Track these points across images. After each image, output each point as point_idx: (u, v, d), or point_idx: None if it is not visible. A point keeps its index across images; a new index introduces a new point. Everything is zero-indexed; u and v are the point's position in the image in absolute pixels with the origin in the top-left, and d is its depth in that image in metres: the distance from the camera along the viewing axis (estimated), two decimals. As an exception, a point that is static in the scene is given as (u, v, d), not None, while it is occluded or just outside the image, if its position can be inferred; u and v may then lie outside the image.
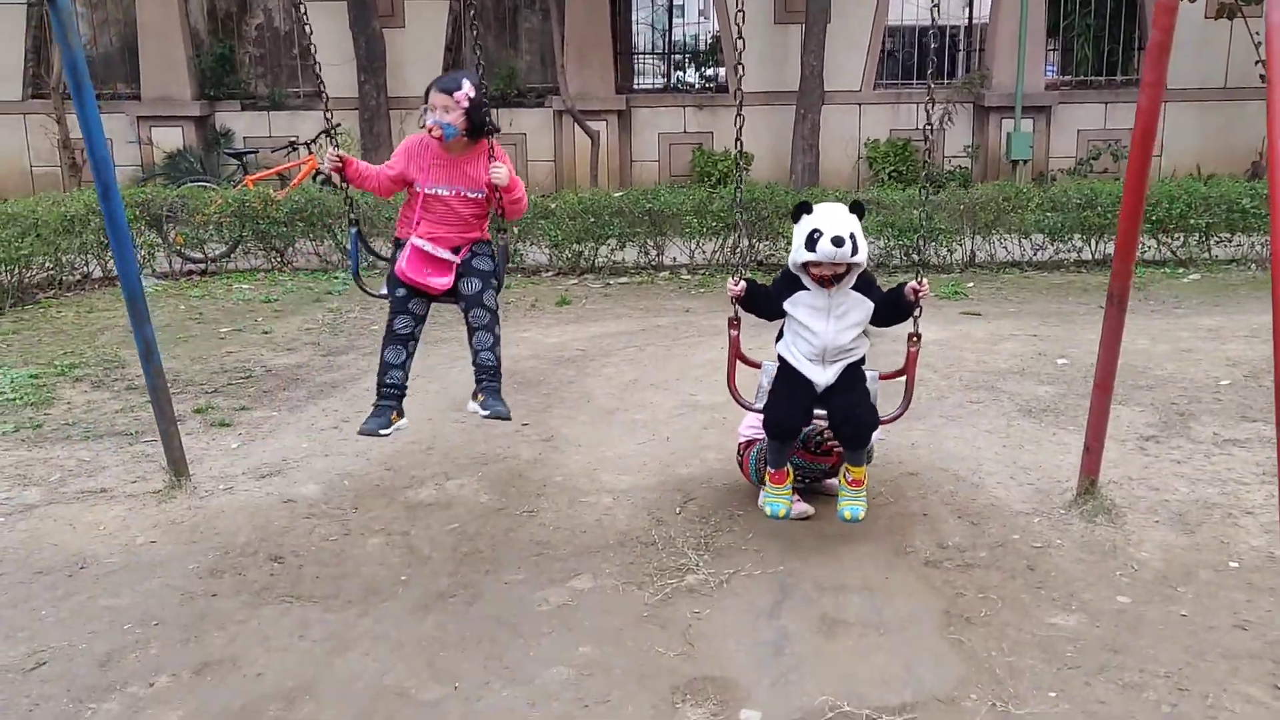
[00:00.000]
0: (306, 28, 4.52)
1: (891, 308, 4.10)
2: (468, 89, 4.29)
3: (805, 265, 4.00)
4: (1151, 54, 3.74)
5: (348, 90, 13.20)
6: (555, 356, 7.01)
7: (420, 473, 4.99)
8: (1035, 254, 9.89)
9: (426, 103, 4.33)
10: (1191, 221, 9.56)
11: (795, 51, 13.22)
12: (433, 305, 4.58)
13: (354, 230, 4.66)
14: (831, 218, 3.92)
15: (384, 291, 4.59)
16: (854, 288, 4.06)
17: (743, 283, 4.15)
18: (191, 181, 11.71)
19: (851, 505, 4.13)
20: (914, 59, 14.72)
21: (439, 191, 4.42)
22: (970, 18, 14.99)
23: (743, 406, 4.33)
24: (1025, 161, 13.42)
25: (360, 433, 4.51)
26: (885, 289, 4.17)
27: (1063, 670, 3.33)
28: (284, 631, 3.65)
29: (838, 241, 3.85)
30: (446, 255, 4.42)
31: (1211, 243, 9.78)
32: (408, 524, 4.47)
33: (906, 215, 9.36)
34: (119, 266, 4.56)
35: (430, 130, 4.32)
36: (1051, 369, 6.43)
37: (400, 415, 4.55)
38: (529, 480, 4.89)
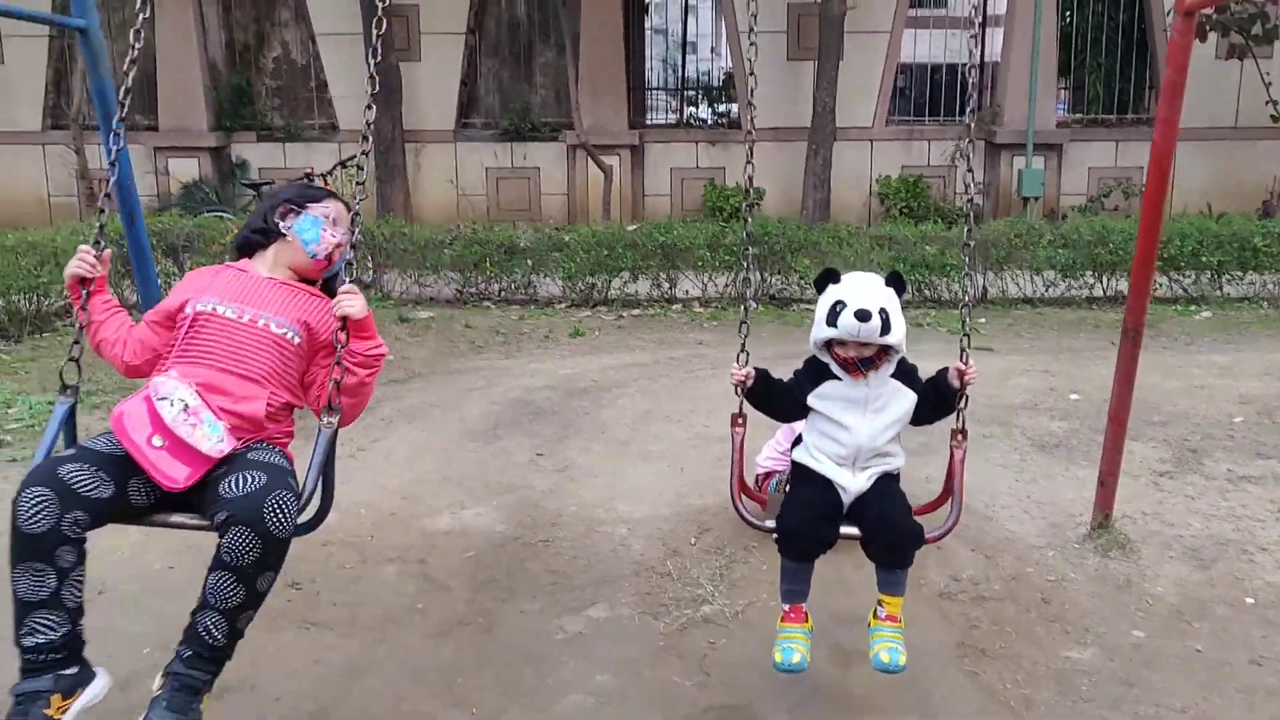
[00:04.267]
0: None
1: (935, 398, 3.25)
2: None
3: (829, 346, 3.18)
4: (1166, 92, 3.79)
5: (363, 124, 13.29)
6: (569, 387, 7.04)
7: (436, 502, 5.01)
8: (1047, 290, 9.93)
9: (298, 208, 3.53)
10: (1203, 259, 9.60)
11: (808, 88, 13.33)
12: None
13: None
14: (860, 288, 3.12)
15: None
16: (893, 377, 3.21)
17: (750, 369, 3.24)
18: (207, 211, 11.82)
19: (890, 647, 3.08)
20: (925, 96, 14.83)
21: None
22: (981, 56, 15.12)
23: (750, 525, 3.34)
24: (1036, 198, 13.48)
25: None
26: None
27: (1078, 703, 3.34)
28: (301, 656, 3.67)
29: (863, 315, 3.03)
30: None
31: (1224, 280, 9.81)
32: (424, 552, 4.49)
33: (919, 251, 9.42)
34: (141, 291, 4.60)
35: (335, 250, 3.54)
36: (1064, 404, 6.44)
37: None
38: (544, 510, 4.91)
